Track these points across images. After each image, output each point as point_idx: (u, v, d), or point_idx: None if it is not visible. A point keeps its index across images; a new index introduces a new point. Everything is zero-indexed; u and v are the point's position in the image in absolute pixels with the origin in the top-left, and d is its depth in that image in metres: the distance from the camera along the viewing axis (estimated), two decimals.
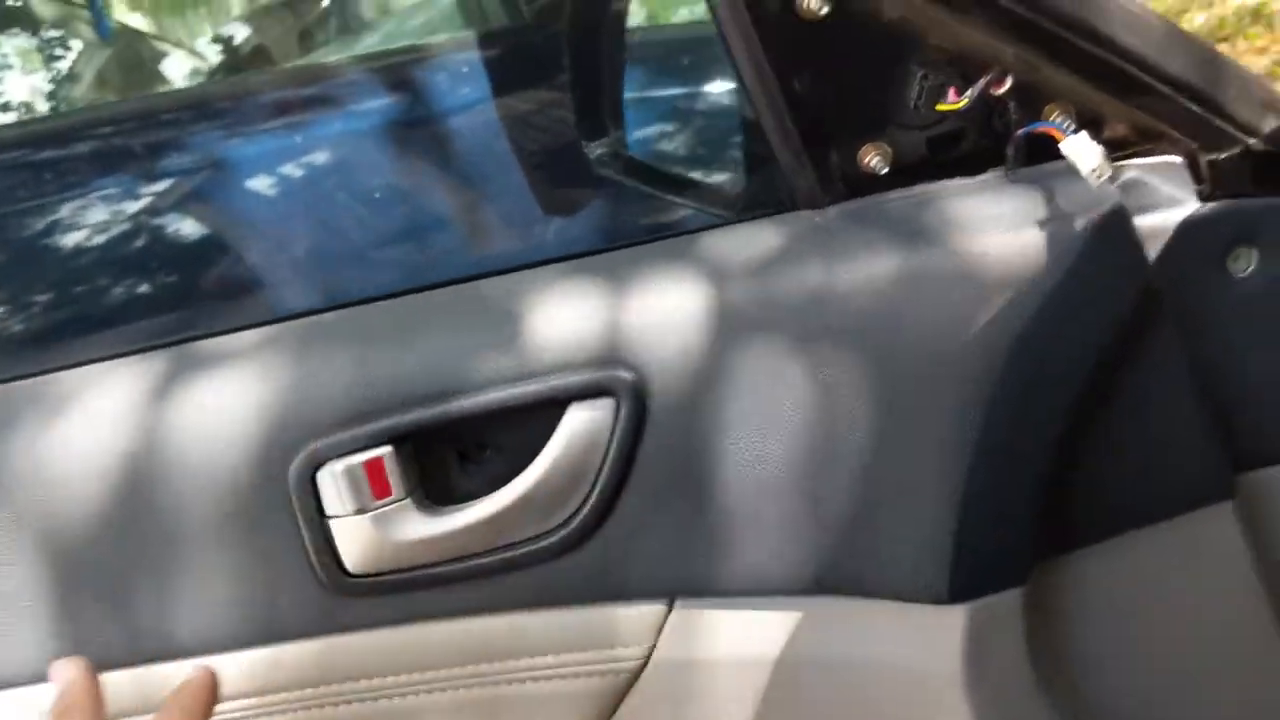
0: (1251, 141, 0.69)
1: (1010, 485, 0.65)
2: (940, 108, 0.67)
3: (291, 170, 0.93)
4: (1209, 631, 0.73)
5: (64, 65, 1.45)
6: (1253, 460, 0.74)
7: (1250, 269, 0.71)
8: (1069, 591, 0.70)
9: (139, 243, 0.88)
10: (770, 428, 0.67)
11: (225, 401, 0.68)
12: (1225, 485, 0.71)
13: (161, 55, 1.64)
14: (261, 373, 0.68)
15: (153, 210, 0.91)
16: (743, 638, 0.70)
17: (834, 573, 0.68)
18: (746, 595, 0.70)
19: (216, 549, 0.68)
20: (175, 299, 0.84)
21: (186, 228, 0.89)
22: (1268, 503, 0.75)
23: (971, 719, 0.67)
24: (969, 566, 0.66)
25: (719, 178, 0.81)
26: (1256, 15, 2.69)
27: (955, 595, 0.66)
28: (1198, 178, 0.70)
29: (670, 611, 0.70)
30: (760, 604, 0.70)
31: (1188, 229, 0.70)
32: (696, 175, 0.82)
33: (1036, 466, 0.66)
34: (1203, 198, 0.70)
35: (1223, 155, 0.70)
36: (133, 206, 0.93)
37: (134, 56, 1.59)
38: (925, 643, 0.67)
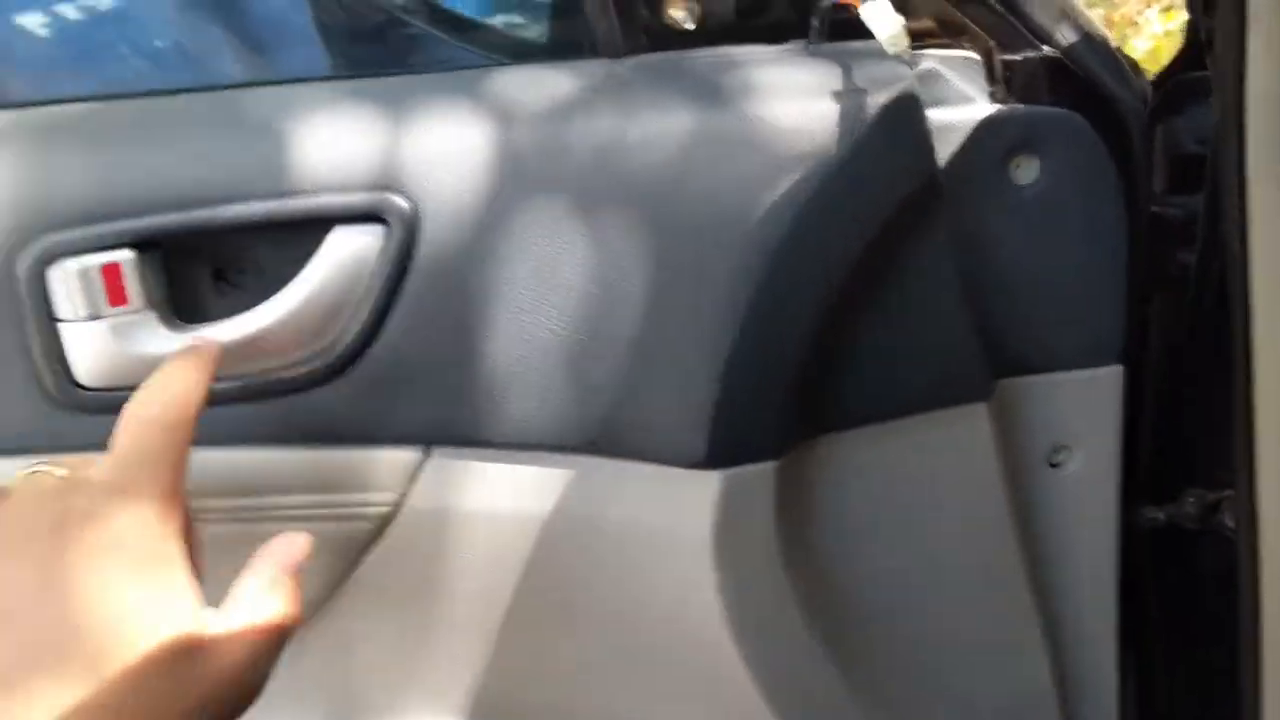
0: (1044, 48, 0.71)
1: (773, 357, 0.66)
2: None
3: None
4: (952, 527, 0.75)
5: None
6: (1012, 367, 0.77)
7: (1031, 178, 0.73)
8: (823, 472, 0.71)
9: None
10: (545, 278, 0.65)
11: None
12: (982, 386, 0.73)
13: None
14: None
15: None
16: (499, 491, 0.69)
17: (596, 431, 0.67)
18: (506, 448, 0.68)
19: None
20: None
21: None
22: (1021, 410, 0.78)
23: (716, 584, 0.68)
24: (726, 434, 0.66)
25: (512, 18, 0.77)
26: None
27: (711, 461, 0.66)
28: (991, 77, 0.71)
29: (426, 458, 0.68)
30: (520, 458, 0.68)
31: (975, 128, 0.71)
32: (489, 14, 0.78)
33: (800, 342, 0.66)
34: (993, 99, 0.72)
35: (1017, 58, 0.71)
36: None
37: None
38: (678, 506, 0.67)
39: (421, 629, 0.73)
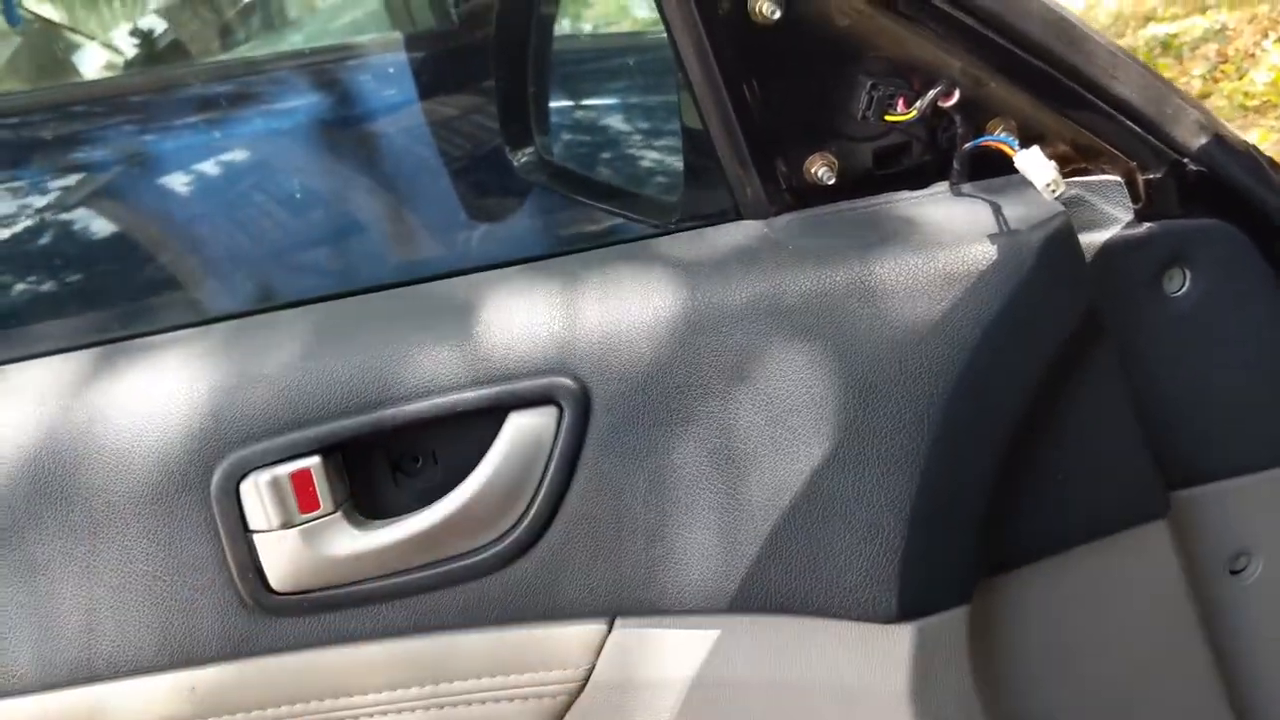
0: (1186, 162, 0.70)
1: (957, 502, 0.65)
2: (889, 118, 0.67)
3: (221, 171, 0.89)
4: (1142, 646, 0.73)
5: None
6: (1184, 479, 0.75)
7: (1183, 288, 0.72)
8: (1009, 610, 0.70)
9: (55, 239, 0.83)
10: (716, 441, 0.66)
11: (143, 407, 0.64)
12: (1159, 503, 0.72)
13: (75, 46, 1.57)
14: (183, 377, 0.64)
15: (68, 206, 0.87)
16: (685, 658, 0.68)
17: (781, 591, 0.67)
18: (690, 614, 0.68)
19: (130, 565, 0.64)
20: (91, 298, 0.79)
21: (105, 225, 0.84)
22: (1197, 521, 0.76)
23: None
24: (916, 585, 0.65)
25: (658, 187, 0.79)
26: (1166, 46, 2.78)
27: (903, 614, 0.65)
28: (1135, 197, 0.71)
29: (610, 631, 0.68)
30: (704, 623, 0.68)
31: (1125, 247, 0.71)
32: (635, 184, 0.80)
33: (982, 482, 0.65)
34: (1139, 217, 0.71)
35: (1159, 175, 0.70)
36: (45, 202, 0.88)
37: (45, 47, 1.51)
38: (872, 661, 0.66)
39: None
